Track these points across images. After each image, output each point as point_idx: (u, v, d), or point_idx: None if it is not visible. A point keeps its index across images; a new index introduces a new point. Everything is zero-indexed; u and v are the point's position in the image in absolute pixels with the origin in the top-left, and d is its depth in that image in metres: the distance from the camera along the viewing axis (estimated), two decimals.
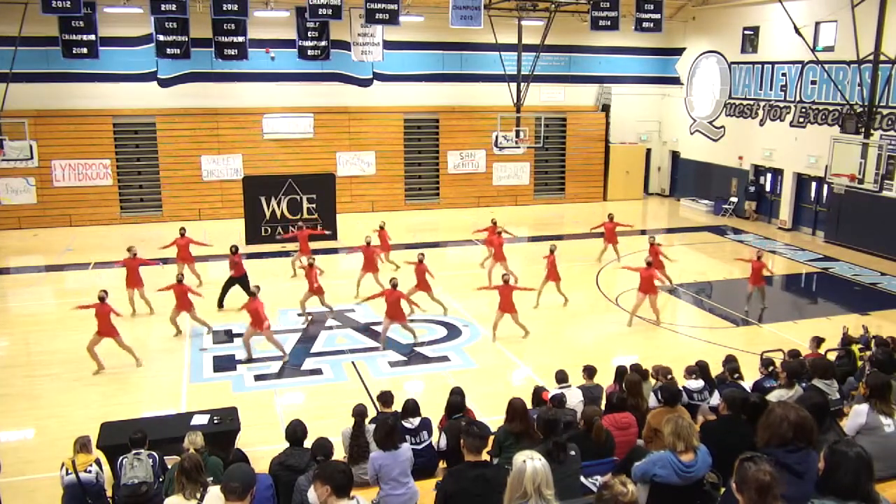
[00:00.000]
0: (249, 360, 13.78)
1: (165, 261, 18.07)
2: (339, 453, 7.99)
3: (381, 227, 19.79)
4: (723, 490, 5.05)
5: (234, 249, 16.91)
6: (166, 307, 15.06)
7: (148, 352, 14.43)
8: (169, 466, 7.62)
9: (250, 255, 20.62)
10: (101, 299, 13.12)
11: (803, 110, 24.80)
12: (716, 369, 10.11)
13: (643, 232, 27.00)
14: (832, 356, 11.26)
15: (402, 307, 14.64)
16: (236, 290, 16.30)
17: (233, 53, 22.80)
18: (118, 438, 8.76)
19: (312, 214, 23.08)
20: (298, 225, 19.62)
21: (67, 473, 7.82)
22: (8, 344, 13.62)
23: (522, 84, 26.50)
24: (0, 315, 15.16)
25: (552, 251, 17.15)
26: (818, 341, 11.51)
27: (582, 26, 24.91)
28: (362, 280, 17.49)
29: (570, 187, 30.70)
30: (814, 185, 25.15)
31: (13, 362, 13.27)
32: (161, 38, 22.44)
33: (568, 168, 30.66)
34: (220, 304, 16.60)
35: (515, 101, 26.42)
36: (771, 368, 9.78)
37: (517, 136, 26.16)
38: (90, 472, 7.86)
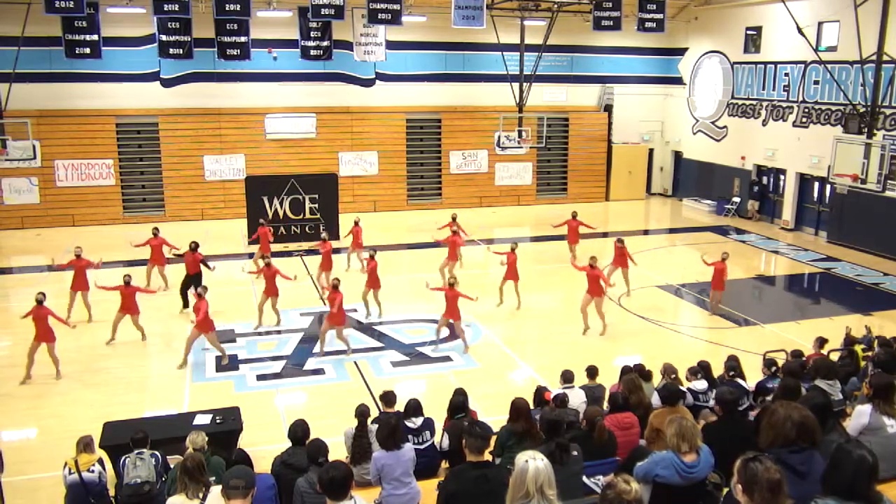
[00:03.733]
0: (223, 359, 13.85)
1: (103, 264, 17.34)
2: (342, 453, 8.00)
3: (356, 223, 19.70)
4: (725, 491, 5.04)
5: (195, 246, 16.63)
6: (108, 313, 14.87)
7: (150, 351, 14.50)
8: (171, 466, 7.63)
9: (252, 256, 20.62)
10: (39, 302, 12.87)
11: (806, 110, 24.79)
12: (719, 370, 10.10)
13: (646, 232, 27.06)
14: (835, 356, 11.25)
15: (343, 311, 14.16)
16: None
17: (235, 53, 22.81)
18: (121, 438, 8.76)
19: (315, 214, 23.11)
20: (260, 222, 19.61)
21: (70, 473, 7.82)
22: (10, 344, 13.65)
23: (525, 84, 26.50)
24: (2, 315, 15.19)
25: (513, 249, 16.94)
26: (821, 342, 11.49)
27: (584, 26, 24.91)
28: (320, 277, 17.44)
29: (572, 187, 30.70)
30: (816, 185, 25.13)
31: (16, 362, 13.27)
32: (164, 38, 22.46)
33: (570, 168, 30.66)
34: (186, 304, 16.44)
35: (518, 101, 26.42)
36: (773, 369, 9.76)
37: (519, 136, 26.17)
38: (93, 471, 7.87)
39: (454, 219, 19.70)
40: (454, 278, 14.89)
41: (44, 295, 13.06)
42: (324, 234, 18.06)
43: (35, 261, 21.33)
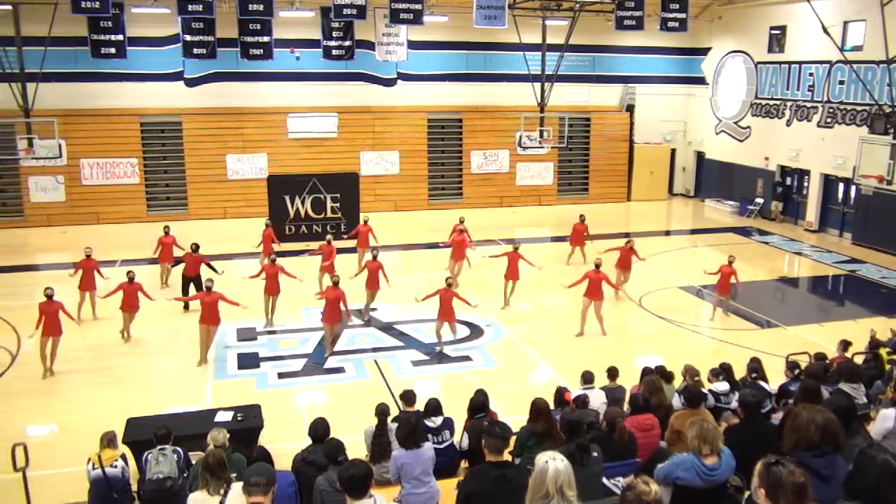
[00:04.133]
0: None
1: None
2: (362, 451, 8.03)
3: (364, 223, 19.79)
4: (747, 494, 5.00)
5: (195, 248, 16.72)
6: (115, 311, 14.96)
7: (173, 348, 14.63)
8: (193, 462, 7.70)
9: (277, 254, 20.73)
10: (49, 297, 13.04)
11: (831, 110, 24.52)
12: (741, 372, 10.03)
13: (668, 233, 26.91)
14: (859, 360, 11.13)
15: (339, 309, 14.19)
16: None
17: (258, 53, 22.95)
18: (144, 434, 8.86)
19: (336, 214, 23.21)
20: (266, 223, 19.65)
21: (94, 468, 7.91)
22: (35, 340, 13.81)
23: (546, 84, 26.43)
24: (27, 311, 15.34)
25: (515, 249, 16.98)
26: (845, 345, 11.38)
27: (606, 26, 24.79)
28: (322, 279, 17.41)
29: (593, 187, 30.58)
30: (841, 186, 24.85)
31: (38, 359, 13.41)
32: (188, 38, 22.64)
33: (592, 168, 30.54)
34: (186, 307, 16.45)
35: (539, 101, 26.35)
36: (796, 371, 9.68)
37: (541, 135, 26.10)
38: (116, 466, 7.96)
39: (462, 221, 19.74)
40: (453, 279, 14.90)
41: (52, 290, 13.22)
42: (328, 237, 18.15)
43: (60, 258, 21.55)
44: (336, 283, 14.18)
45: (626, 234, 20.18)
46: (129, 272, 14.89)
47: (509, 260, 16.87)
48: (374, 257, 16.33)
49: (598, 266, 15.24)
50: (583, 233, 20.28)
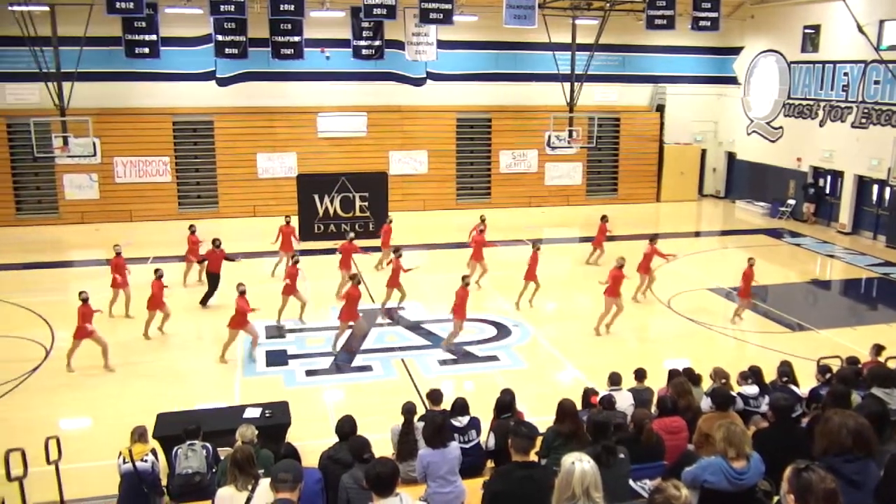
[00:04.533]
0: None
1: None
2: (388, 450, 8.07)
3: (389, 222, 19.88)
4: (776, 499, 4.95)
5: (218, 244, 16.90)
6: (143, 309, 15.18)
7: (201, 345, 14.80)
8: (222, 458, 7.78)
9: (304, 252, 20.86)
10: (85, 301, 13.23)
11: (866, 111, 24.11)
12: (770, 375, 9.92)
13: (698, 234, 26.66)
14: (893, 364, 10.94)
15: (357, 308, 14.31)
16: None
17: (289, 53, 23.09)
18: (174, 429, 8.97)
19: (365, 213, 23.32)
20: (286, 220, 19.64)
21: (124, 462, 8.02)
22: (67, 335, 14.04)
23: (576, 84, 26.31)
24: (61, 308, 15.61)
25: (536, 249, 16.94)
26: (878, 349, 11.19)
27: (637, 25, 24.62)
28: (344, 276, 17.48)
29: (623, 188, 30.39)
30: (875, 187, 24.44)
31: (66, 354, 13.63)
32: (220, 38, 22.84)
33: (621, 168, 30.36)
34: (205, 303, 16.72)
35: (569, 100, 26.24)
36: (828, 375, 9.55)
37: (570, 135, 26.00)
38: (146, 461, 8.06)
39: (482, 220, 19.73)
40: (468, 278, 14.96)
41: (87, 293, 13.42)
42: (350, 235, 18.25)
43: (94, 255, 21.88)
44: (358, 283, 14.27)
45: (655, 235, 19.95)
46: (156, 269, 15.11)
47: (531, 260, 16.88)
48: (398, 255, 16.42)
49: (621, 266, 15.24)
50: (604, 232, 20.21)
